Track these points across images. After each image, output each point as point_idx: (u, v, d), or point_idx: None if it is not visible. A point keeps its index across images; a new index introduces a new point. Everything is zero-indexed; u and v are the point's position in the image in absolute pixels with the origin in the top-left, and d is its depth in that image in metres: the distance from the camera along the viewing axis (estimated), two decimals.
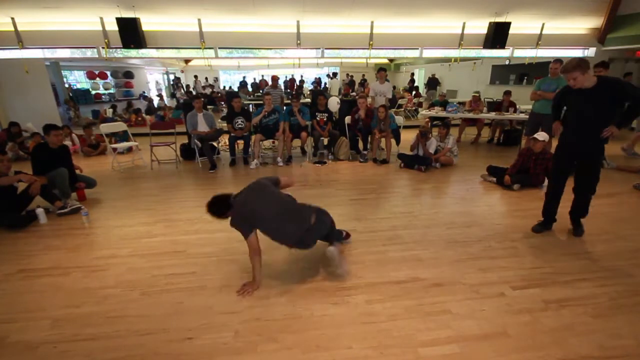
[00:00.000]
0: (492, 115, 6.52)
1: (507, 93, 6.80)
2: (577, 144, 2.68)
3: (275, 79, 6.89)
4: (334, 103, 5.96)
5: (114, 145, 5.79)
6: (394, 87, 15.44)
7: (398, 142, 5.62)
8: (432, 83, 13.53)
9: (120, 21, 6.02)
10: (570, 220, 2.97)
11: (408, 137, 5.60)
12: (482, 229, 3.05)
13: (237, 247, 2.76)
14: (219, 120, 7.61)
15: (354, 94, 10.87)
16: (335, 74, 15.44)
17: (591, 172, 2.72)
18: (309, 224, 2.19)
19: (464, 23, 7.24)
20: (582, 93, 2.54)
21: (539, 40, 7.56)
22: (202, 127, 5.36)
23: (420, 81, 16.25)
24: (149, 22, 6.40)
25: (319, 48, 7.36)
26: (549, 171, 4.08)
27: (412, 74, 14.93)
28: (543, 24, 7.38)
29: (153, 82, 16.99)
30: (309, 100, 9.76)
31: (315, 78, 17.34)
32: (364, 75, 15.43)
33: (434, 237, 2.92)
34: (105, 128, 5.60)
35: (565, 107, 2.80)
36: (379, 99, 5.73)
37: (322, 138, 5.75)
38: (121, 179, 4.90)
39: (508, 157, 5.27)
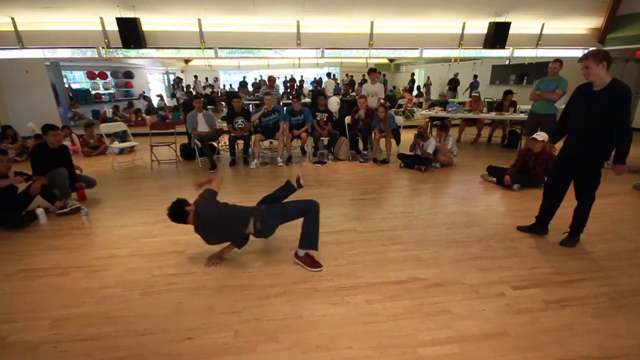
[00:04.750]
0: (492, 115, 6.52)
1: (509, 92, 6.76)
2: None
3: (271, 79, 6.86)
4: (334, 103, 5.96)
5: (110, 145, 5.79)
6: (394, 87, 15.52)
7: (398, 142, 5.62)
8: (454, 83, 13.31)
9: (120, 21, 6.02)
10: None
11: (408, 137, 5.60)
12: (482, 229, 3.05)
13: None
14: (219, 120, 7.61)
15: (353, 94, 10.84)
16: (329, 74, 15.33)
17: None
18: (245, 228, 2.40)
19: (464, 23, 7.23)
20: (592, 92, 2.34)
21: (539, 40, 7.56)
22: (202, 127, 5.36)
23: (420, 81, 16.24)
24: (149, 22, 6.41)
25: (319, 48, 7.36)
26: (549, 171, 4.10)
27: (413, 74, 14.90)
28: (543, 24, 7.38)
29: (153, 82, 16.98)
30: (309, 100, 9.76)
31: (315, 78, 17.33)
32: (364, 75, 15.43)
33: (434, 237, 2.92)
34: (105, 128, 5.60)
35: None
36: (372, 100, 5.73)
37: (322, 138, 5.75)
38: (121, 179, 4.90)
39: (508, 157, 5.27)
